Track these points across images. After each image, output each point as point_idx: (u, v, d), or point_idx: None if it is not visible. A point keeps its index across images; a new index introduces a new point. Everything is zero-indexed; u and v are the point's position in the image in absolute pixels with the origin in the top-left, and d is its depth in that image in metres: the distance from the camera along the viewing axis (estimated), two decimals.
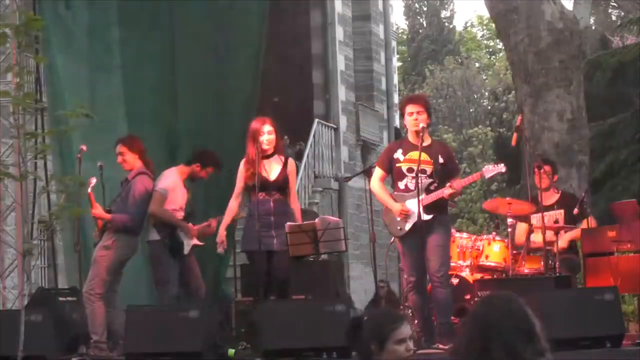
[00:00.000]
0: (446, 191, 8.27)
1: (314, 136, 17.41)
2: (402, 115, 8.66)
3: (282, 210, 8.69)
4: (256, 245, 8.54)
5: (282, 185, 8.71)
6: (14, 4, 9.77)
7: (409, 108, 8.40)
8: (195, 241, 9.21)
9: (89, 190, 8.82)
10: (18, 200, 8.95)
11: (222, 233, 8.80)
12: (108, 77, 10.51)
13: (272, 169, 8.73)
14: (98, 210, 8.95)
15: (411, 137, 8.45)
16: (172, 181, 9.16)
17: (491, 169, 8.54)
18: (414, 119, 8.36)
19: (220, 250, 8.88)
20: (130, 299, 9.25)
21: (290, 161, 8.86)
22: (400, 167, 8.43)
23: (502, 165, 8.58)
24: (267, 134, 8.71)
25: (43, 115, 10.92)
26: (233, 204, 8.86)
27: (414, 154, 8.34)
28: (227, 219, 8.85)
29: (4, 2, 10.07)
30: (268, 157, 8.76)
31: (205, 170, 9.34)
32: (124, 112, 10.46)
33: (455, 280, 9.52)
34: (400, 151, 8.46)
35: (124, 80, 10.47)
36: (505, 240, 9.74)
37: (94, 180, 8.94)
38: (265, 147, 8.69)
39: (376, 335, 4.24)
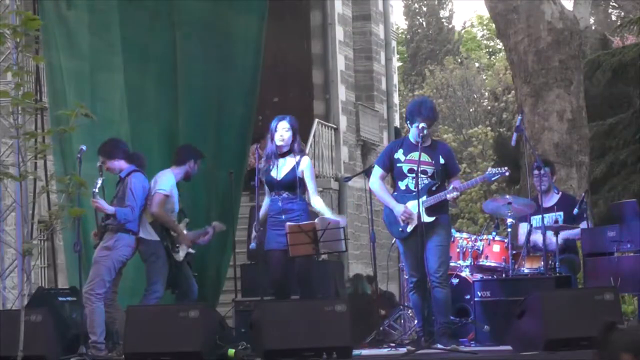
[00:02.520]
0: (449, 195, 8.27)
1: (314, 136, 17.41)
2: (409, 122, 8.53)
3: (291, 209, 8.70)
4: (270, 245, 8.61)
5: (290, 184, 8.70)
6: (14, 4, 9.77)
7: (418, 123, 8.35)
8: (188, 249, 9.24)
9: (95, 190, 8.81)
10: (18, 200, 8.95)
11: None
12: (109, 77, 10.51)
13: (283, 168, 8.73)
14: (100, 201, 8.91)
15: (412, 137, 8.44)
16: (171, 182, 9.18)
17: (495, 172, 8.52)
18: (418, 130, 8.35)
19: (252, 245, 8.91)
20: (131, 298, 9.25)
21: (304, 159, 8.78)
22: (401, 168, 8.43)
23: (506, 168, 8.57)
24: (281, 130, 8.72)
25: (43, 115, 10.92)
26: (266, 200, 8.85)
27: (415, 155, 8.33)
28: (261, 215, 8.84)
29: (4, 2, 10.06)
30: (283, 155, 8.75)
31: (197, 164, 9.38)
32: (125, 112, 10.46)
33: (455, 280, 9.52)
34: (401, 151, 8.45)
35: (125, 80, 10.47)
36: (505, 241, 9.74)
37: (99, 181, 8.93)
38: (278, 143, 8.70)
39: (636, 347, 4.05)
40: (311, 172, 8.80)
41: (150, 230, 9.08)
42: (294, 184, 8.70)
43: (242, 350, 8.17)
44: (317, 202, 8.80)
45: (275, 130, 8.71)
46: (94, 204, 8.93)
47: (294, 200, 8.73)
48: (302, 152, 8.86)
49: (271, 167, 8.68)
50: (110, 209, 8.94)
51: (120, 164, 9.12)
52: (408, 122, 8.51)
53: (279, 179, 8.69)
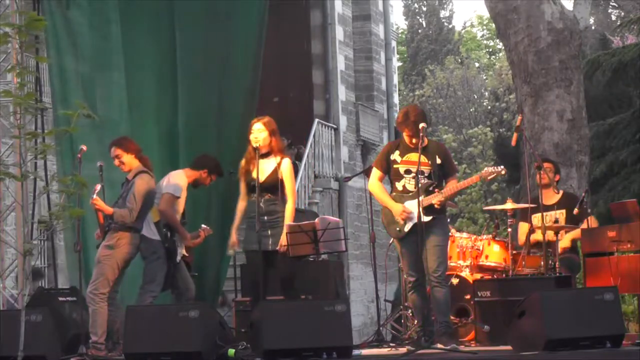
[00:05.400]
0: (434, 200, 8.26)
1: (314, 136, 17.42)
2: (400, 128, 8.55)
3: (274, 210, 8.71)
4: (254, 245, 8.61)
5: (271, 186, 8.72)
6: (14, 4, 9.77)
7: (405, 132, 8.40)
8: (184, 251, 9.26)
9: (94, 196, 8.80)
10: (18, 200, 8.95)
11: (233, 235, 8.89)
12: (109, 77, 10.52)
13: (264, 170, 8.74)
14: (99, 202, 8.92)
15: (407, 139, 8.46)
16: (182, 184, 9.22)
17: (490, 171, 8.53)
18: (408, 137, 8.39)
19: (231, 252, 8.96)
20: (131, 298, 9.25)
21: (285, 161, 8.85)
22: (397, 169, 8.45)
23: (502, 167, 8.57)
24: (255, 132, 8.78)
25: (43, 116, 10.92)
26: (241, 205, 8.93)
27: (412, 156, 8.36)
28: (237, 220, 8.90)
29: (4, 2, 10.07)
30: (263, 156, 8.76)
31: (211, 177, 9.44)
32: (125, 112, 10.47)
33: (455, 280, 9.52)
34: (397, 152, 8.48)
35: (125, 80, 10.48)
36: (505, 241, 9.74)
37: (98, 187, 8.94)
38: (254, 144, 8.74)
39: None
40: (291, 174, 8.81)
41: (154, 229, 9.10)
42: (275, 186, 8.71)
43: (242, 350, 8.17)
44: (288, 207, 8.80)
45: (251, 132, 8.78)
46: (93, 206, 8.93)
47: (276, 202, 8.76)
48: (282, 153, 8.85)
49: (251, 168, 8.72)
50: (108, 208, 8.95)
51: (132, 161, 9.11)
52: (401, 131, 8.53)
53: (260, 181, 8.70)
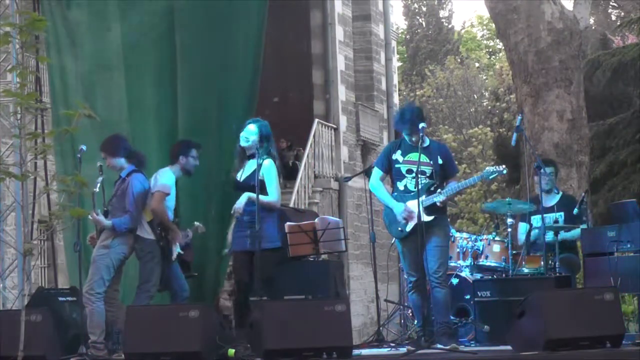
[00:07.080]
0: (436, 199, 8.27)
1: (314, 136, 17.41)
2: (399, 130, 8.62)
3: (253, 210, 8.64)
4: (234, 247, 8.68)
5: (248, 186, 8.69)
6: (14, 4, 9.78)
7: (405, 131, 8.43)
8: (179, 249, 9.27)
9: (96, 189, 8.82)
10: (19, 200, 8.95)
11: (229, 235, 8.96)
12: (110, 77, 10.51)
13: (247, 171, 8.73)
14: (99, 217, 8.93)
15: (408, 139, 8.46)
16: (170, 180, 9.19)
17: (492, 171, 8.51)
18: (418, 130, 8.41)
19: (225, 251, 8.96)
20: (131, 299, 9.25)
21: (267, 162, 8.79)
22: (399, 168, 8.45)
23: (504, 166, 8.55)
24: (246, 132, 8.79)
25: (43, 116, 10.93)
26: None
27: (413, 155, 8.35)
28: (234, 220, 8.91)
29: (4, 2, 10.07)
30: (249, 157, 8.76)
31: (191, 157, 9.33)
32: (125, 112, 10.46)
33: (455, 280, 9.52)
34: (399, 152, 8.48)
35: (125, 80, 10.47)
36: (505, 241, 9.74)
37: (100, 180, 8.95)
38: (242, 143, 8.76)
39: None
40: (272, 176, 8.76)
41: (148, 229, 9.08)
42: (253, 187, 8.66)
43: (242, 350, 8.18)
44: (271, 201, 8.70)
45: (242, 131, 8.80)
46: (92, 219, 8.95)
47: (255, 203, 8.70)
48: (266, 156, 8.80)
49: (239, 168, 8.74)
50: (107, 223, 8.94)
51: (122, 163, 9.13)
52: (399, 130, 8.56)
53: (241, 181, 8.71)
